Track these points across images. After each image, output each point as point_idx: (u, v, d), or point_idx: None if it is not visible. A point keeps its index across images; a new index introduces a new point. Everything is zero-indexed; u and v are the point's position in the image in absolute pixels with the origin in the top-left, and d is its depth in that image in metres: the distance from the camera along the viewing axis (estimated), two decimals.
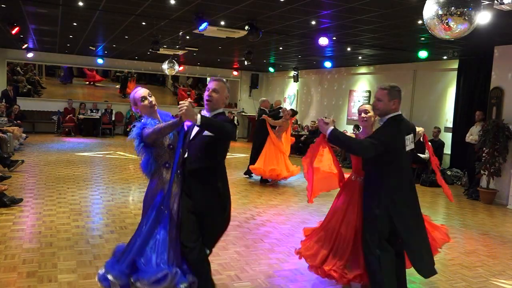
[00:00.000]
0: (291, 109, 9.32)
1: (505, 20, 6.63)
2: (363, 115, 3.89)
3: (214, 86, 3.35)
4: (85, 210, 6.30)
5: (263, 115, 9.34)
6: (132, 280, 3.11)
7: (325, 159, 4.02)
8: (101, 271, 3.22)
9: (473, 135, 9.53)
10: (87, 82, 18.01)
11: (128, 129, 17.35)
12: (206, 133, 3.21)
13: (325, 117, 3.56)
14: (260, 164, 8.92)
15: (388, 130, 3.43)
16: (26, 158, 9.84)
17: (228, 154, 3.56)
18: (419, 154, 10.56)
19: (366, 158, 3.49)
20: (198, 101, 18.89)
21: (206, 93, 3.37)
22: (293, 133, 11.13)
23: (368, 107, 3.89)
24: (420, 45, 9.59)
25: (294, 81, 17.01)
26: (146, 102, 3.39)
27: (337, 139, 3.39)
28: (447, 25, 3.94)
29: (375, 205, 3.44)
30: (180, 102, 3.04)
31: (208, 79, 20.37)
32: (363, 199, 3.63)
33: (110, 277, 3.15)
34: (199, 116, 3.00)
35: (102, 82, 18.32)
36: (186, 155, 3.35)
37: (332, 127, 3.35)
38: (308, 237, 4.14)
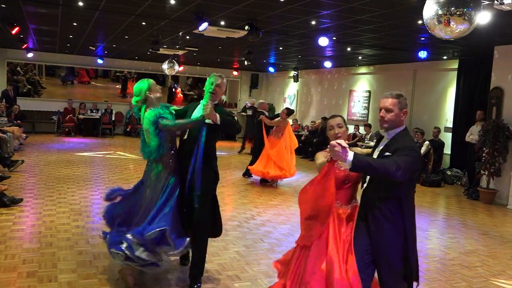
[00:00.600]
0: (287, 108, 9.36)
1: (505, 20, 6.63)
2: (336, 130, 3.21)
3: (218, 81, 3.94)
4: (85, 210, 6.29)
5: (261, 116, 9.40)
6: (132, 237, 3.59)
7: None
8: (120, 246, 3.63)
9: (473, 134, 9.53)
10: (78, 82, 17.98)
11: (128, 129, 17.39)
12: (207, 120, 3.72)
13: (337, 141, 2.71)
14: (257, 165, 8.96)
15: (411, 145, 2.91)
16: (26, 158, 9.84)
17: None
18: None
19: (401, 181, 2.78)
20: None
21: (211, 87, 3.91)
22: (294, 133, 11.16)
23: (340, 120, 3.27)
24: (420, 45, 9.58)
25: (294, 81, 17.02)
26: (158, 93, 3.94)
27: (365, 165, 2.72)
28: (447, 22, 3.93)
29: (400, 240, 2.93)
30: (204, 104, 3.68)
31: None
32: (384, 236, 2.95)
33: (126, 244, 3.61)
34: (218, 116, 3.66)
35: (102, 82, 18.33)
36: (185, 137, 3.91)
37: (352, 152, 2.68)
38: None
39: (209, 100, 3.78)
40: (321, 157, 3.18)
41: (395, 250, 2.94)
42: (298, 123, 16.83)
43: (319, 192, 2.99)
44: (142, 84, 3.91)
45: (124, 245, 3.59)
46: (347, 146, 2.67)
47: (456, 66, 11.05)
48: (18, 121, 13.41)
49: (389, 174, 2.68)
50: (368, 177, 3.08)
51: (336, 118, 3.28)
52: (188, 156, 3.79)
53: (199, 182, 3.70)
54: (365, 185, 3.10)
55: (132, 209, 3.96)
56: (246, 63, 13.06)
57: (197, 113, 3.89)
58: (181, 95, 19.63)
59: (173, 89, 19.49)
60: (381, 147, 3.05)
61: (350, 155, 2.63)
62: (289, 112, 9.15)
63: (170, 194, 3.77)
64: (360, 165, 2.67)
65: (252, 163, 9.29)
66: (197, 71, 19.24)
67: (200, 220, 3.81)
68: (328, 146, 2.74)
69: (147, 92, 3.87)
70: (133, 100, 3.92)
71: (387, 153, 2.89)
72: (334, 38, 9.46)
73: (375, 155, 3.07)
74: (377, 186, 2.99)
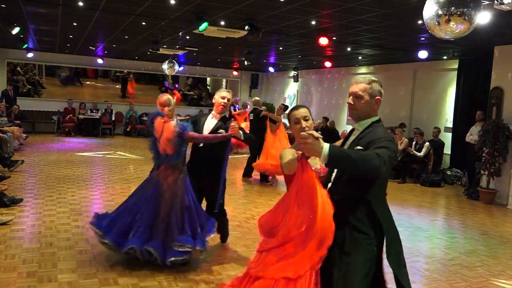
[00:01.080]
0: (282, 104, 9.51)
1: (505, 20, 6.63)
2: (303, 123, 2.75)
3: (229, 96, 4.61)
4: (85, 210, 6.29)
5: (264, 112, 9.49)
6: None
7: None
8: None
9: (473, 135, 9.52)
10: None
11: (128, 129, 17.39)
12: (220, 131, 4.43)
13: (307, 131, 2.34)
14: (263, 160, 8.90)
15: (387, 136, 2.47)
16: (26, 158, 9.83)
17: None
18: (415, 152, 10.61)
19: (382, 177, 2.39)
20: (198, 102, 19.10)
21: (223, 101, 4.55)
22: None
23: (306, 111, 2.82)
24: (420, 45, 9.59)
25: (294, 81, 17.02)
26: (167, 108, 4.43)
27: (344, 158, 2.24)
28: (447, 21, 3.94)
29: (371, 241, 2.44)
30: (232, 124, 4.15)
31: (208, 79, 20.46)
32: (350, 249, 2.42)
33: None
34: (241, 132, 4.24)
35: (102, 82, 18.33)
36: (201, 145, 4.55)
37: (327, 143, 2.24)
38: None
39: (235, 122, 4.33)
40: (288, 154, 2.69)
41: (359, 269, 2.40)
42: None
43: (302, 198, 2.44)
44: (168, 96, 4.46)
45: (190, 244, 4.13)
46: (320, 137, 2.26)
47: (456, 66, 11.05)
48: (18, 121, 13.41)
49: (373, 169, 2.23)
50: (333, 175, 2.58)
51: (301, 110, 2.83)
52: (204, 161, 4.56)
53: (221, 191, 4.48)
54: (329, 184, 2.59)
55: (136, 214, 4.28)
56: (246, 63, 13.05)
57: (208, 125, 4.58)
58: (179, 96, 19.53)
59: (166, 89, 19.10)
60: (350, 141, 2.61)
61: (326, 147, 2.21)
62: (285, 108, 9.29)
63: (191, 194, 4.34)
64: (338, 158, 2.22)
65: (253, 160, 9.24)
66: (197, 71, 19.24)
67: (220, 207, 4.70)
68: (299, 139, 2.27)
69: (174, 102, 4.44)
70: (166, 109, 4.36)
71: (358, 147, 2.48)
72: (334, 38, 9.46)
73: None
74: (345, 185, 2.49)
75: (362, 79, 2.61)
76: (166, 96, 4.43)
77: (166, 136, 4.23)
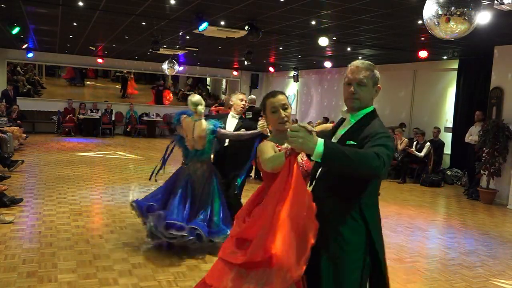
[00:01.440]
0: None
1: (505, 20, 6.63)
2: (282, 113, 2.43)
3: (245, 98, 5.19)
4: (85, 210, 6.29)
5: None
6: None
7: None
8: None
9: (472, 135, 9.53)
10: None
11: (128, 129, 17.38)
12: (242, 130, 4.84)
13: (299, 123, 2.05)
14: None
15: (385, 131, 2.19)
16: (26, 158, 9.83)
17: None
18: (415, 152, 10.60)
19: (380, 179, 2.20)
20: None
21: (242, 103, 5.09)
22: None
23: (285, 99, 2.48)
24: (420, 45, 9.58)
25: (294, 81, 17.02)
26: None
27: (340, 157, 1.92)
28: (447, 21, 3.94)
29: (360, 246, 2.18)
30: (260, 123, 4.47)
31: (208, 79, 20.44)
32: (337, 243, 2.16)
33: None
34: (268, 129, 4.47)
35: (102, 82, 18.34)
36: (226, 144, 5.04)
37: (322, 139, 1.94)
38: None
39: (263, 120, 4.62)
40: (269, 149, 2.34)
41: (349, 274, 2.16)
42: (298, 123, 16.83)
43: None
44: (199, 96, 4.78)
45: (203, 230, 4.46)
46: (314, 130, 1.96)
47: (456, 66, 11.05)
48: (17, 119, 13.38)
49: (372, 171, 1.95)
50: (319, 172, 2.30)
51: (279, 96, 2.48)
52: (231, 157, 4.97)
53: (242, 179, 4.76)
54: (314, 181, 2.32)
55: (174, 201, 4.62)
56: (246, 63, 13.05)
57: (231, 124, 5.01)
58: (171, 96, 19.43)
59: (160, 88, 19.06)
60: (341, 133, 2.31)
61: (320, 143, 1.89)
62: None
63: (219, 192, 4.73)
64: (333, 156, 1.91)
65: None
66: (197, 71, 19.23)
67: (238, 197, 5.12)
68: (287, 132, 1.99)
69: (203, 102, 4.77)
70: (200, 108, 4.67)
71: (351, 142, 2.18)
72: (334, 38, 9.46)
73: None
74: (333, 181, 2.20)
75: (361, 63, 2.33)
76: (198, 96, 4.74)
77: (199, 133, 4.58)
